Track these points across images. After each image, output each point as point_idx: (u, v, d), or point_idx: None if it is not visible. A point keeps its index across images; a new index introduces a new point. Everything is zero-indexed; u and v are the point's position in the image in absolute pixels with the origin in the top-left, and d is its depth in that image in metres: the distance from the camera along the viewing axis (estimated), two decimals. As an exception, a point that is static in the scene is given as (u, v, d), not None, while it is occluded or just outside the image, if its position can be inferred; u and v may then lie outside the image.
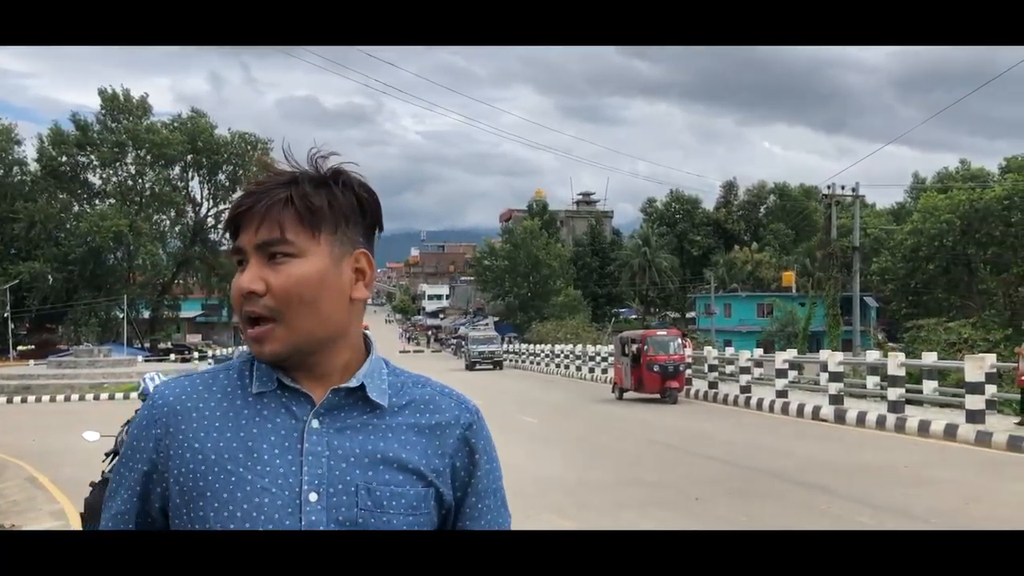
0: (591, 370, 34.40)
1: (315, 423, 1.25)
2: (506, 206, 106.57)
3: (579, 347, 38.13)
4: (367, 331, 1.36)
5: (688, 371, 23.86)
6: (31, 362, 42.75)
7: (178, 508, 1.24)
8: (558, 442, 15.36)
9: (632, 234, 79.40)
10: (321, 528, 1.20)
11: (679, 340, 23.17)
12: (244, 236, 1.25)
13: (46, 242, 56.92)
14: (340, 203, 1.27)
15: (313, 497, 1.21)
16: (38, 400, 29.37)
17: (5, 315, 53.90)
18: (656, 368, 21.60)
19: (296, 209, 1.24)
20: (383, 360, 1.34)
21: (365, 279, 1.30)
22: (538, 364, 43.13)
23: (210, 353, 52.81)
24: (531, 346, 47.95)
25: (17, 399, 29.59)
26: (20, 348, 54.76)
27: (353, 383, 1.27)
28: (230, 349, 54.38)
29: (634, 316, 70.98)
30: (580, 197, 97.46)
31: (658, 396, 21.56)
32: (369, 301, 1.37)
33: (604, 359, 32.87)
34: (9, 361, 48.61)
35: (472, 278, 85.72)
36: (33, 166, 60.42)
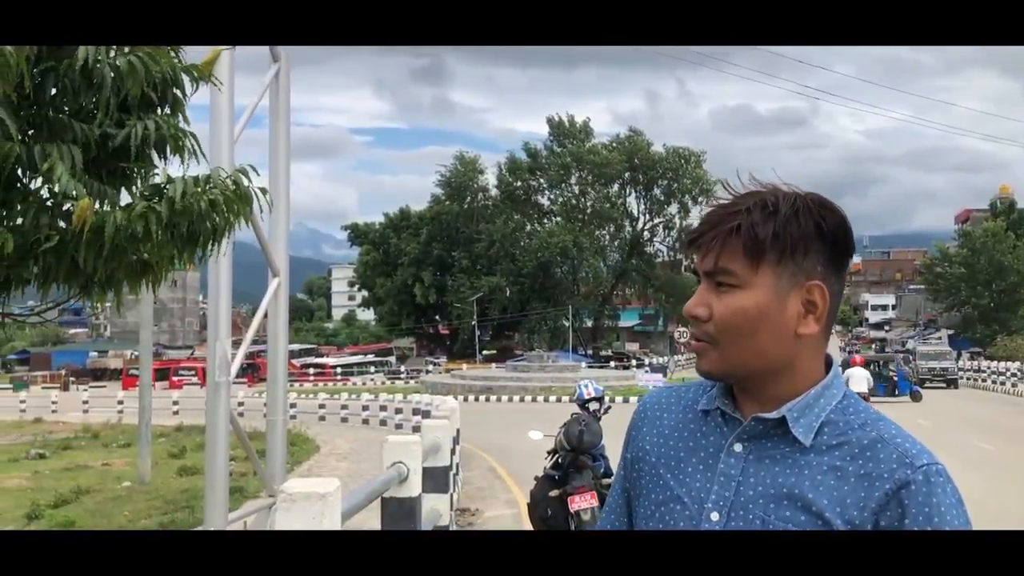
0: (1072, 393, 29.67)
1: (737, 447, 1.25)
2: (962, 206, 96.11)
3: (1055, 366, 33.10)
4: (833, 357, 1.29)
5: None
6: (493, 365, 48.44)
7: (635, 501, 1.36)
8: (1022, 475, 13.56)
9: None
10: None
11: None
12: (698, 259, 1.26)
13: (504, 258, 63.83)
14: (788, 233, 1.21)
15: (715, 517, 1.23)
16: (498, 399, 33.05)
17: (473, 323, 61.54)
18: None
19: (742, 239, 1.21)
20: (842, 394, 1.26)
21: (816, 313, 1.22)
22: (1002, 384, 38.22)
23: (646, 361, 55.06)
24: (995, 363, 42.65)
25: (482, 398, 33.62)
26: (484, 352, 62.22)
27: (774, 415, 1.23)
28: (665, 358, 56.09)
29: None
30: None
31: None
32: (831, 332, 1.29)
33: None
34: (476, 364, 55.42)
35: (922, 286, 78.63)
36: (493, 191, 68.26)
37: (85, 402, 32.07)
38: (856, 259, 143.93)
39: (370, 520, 5.41)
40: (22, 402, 31.69)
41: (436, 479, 7.08)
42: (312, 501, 3.22)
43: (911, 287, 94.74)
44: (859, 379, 21.25)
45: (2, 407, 30.53)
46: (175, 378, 48.19)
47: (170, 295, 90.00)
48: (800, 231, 1.21)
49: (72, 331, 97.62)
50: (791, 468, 1.21)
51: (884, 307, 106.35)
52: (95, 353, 76.71)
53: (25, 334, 76.24)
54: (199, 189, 3.93)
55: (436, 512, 6.99)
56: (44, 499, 11.87)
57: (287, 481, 4.85)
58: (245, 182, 4.27)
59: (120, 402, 30.07)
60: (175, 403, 28.70)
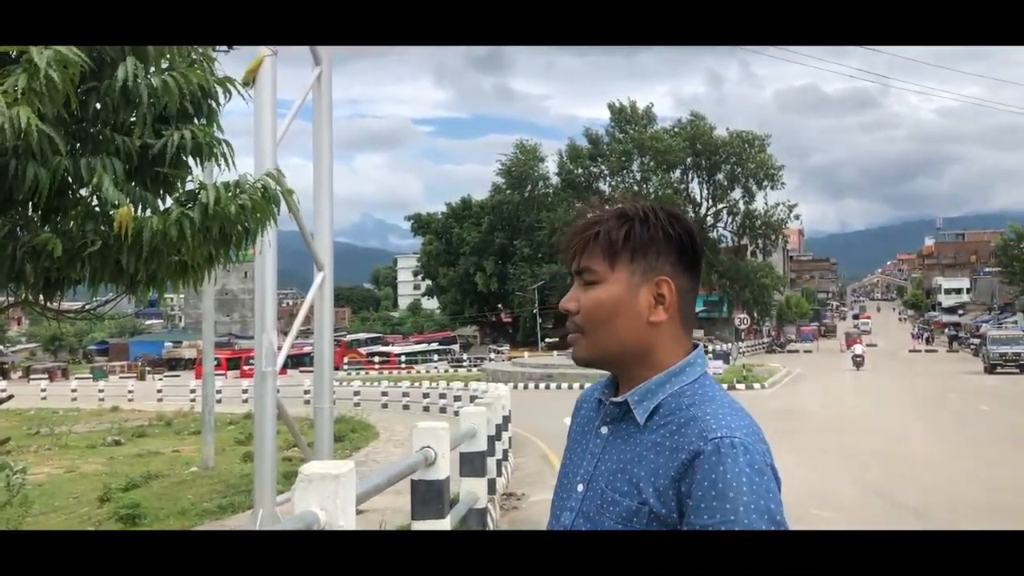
0: None
1: (603, 429, 1.47)
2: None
3: None
4: (702, 347, 1.48)
5: None
6: (555, 353, 48.56)
7: None
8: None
9: None
10: (574, 514, 1.45)
11: None
12: (567, 262, 1.48)
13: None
14: (638, 236, 1.41)
15: (580, 488, 1.45)
16: (558, 387, 33.22)
17: (535, 311, 61.78)
18: None
19: (601, 243, 1.43)
20: (693, 380, 1.42)
21: (665, 304, 1.42)
22: (1079, 369, 36.99)
23: (709, 348, 54.48)
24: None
25: (541, 385, 33.88)
26: (547, 340, 62.37)
27: (619, 399, 1.44)
28: (729, 345, 55.50)
29: None
30: None
31: None
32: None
33: None
34: (538, 352, 55.69)
35: (998, 269, 76.19)
36: (554, 179, 68.33)
37: (159, 391, 33.35)
38: (928, 242, 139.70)
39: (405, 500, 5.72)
40: (101, 391, 33.09)
41: (473, 463, 7.38)
42: (327, 481, 3.51)
43: (987, 270, 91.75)
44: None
45: (83, 396, 31.93)
46: (246, 367, 49.32)
47: (240, 286, 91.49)
48: (649, 235, 1.42)
49: (148, 322, 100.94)
50: (629, 446, 1.41)
51: (958, 291, 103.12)
52: (170, 343, 79.21)
53: (104, 325, 79.14)
54: (229, 195, 4.24)
55: (473, 495, 7.29)
56: (116, 483, 12.52)
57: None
58: (273, 185, 4.58)
59: (192, 391, 31.09)
60: (244, 391, 29.59)
